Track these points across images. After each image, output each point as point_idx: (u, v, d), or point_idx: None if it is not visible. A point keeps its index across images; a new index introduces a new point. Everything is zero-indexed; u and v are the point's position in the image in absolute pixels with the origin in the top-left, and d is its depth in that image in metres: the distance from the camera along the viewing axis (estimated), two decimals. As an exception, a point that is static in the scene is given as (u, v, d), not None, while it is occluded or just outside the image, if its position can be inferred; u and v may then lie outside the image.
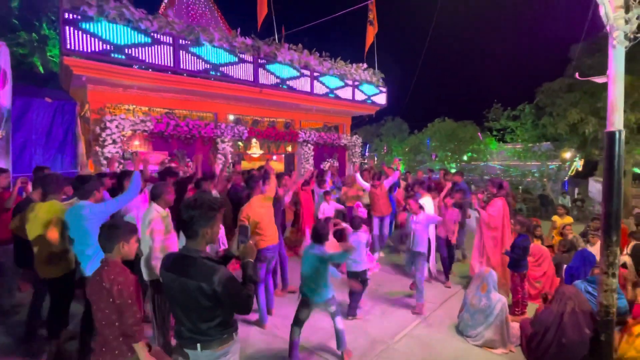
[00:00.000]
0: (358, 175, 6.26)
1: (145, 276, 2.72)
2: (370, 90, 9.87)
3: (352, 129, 11.18)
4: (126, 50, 5.66)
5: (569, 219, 5.99)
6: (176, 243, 2.78)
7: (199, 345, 1.50)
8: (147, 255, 2.71)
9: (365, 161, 15.71)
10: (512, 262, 3.95)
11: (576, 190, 11.37)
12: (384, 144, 18.38)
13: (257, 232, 3.15)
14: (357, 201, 6.51)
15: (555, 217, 6.18)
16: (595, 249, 4.31)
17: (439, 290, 4.58)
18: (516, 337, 3.26)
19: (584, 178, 11.62)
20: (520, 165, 13.32)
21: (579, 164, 12.14)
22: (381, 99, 10.16)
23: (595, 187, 10.97)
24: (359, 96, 9.57)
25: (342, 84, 9.05)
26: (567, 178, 12.22)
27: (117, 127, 5.88)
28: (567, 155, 11.94)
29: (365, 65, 9.75)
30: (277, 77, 7.70)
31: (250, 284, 1.59)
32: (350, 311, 3.71)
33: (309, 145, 9.00)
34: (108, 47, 5.48)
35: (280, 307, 3.92)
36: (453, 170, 13.53)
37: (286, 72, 7.89)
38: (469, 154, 14.87)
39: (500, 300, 3.25)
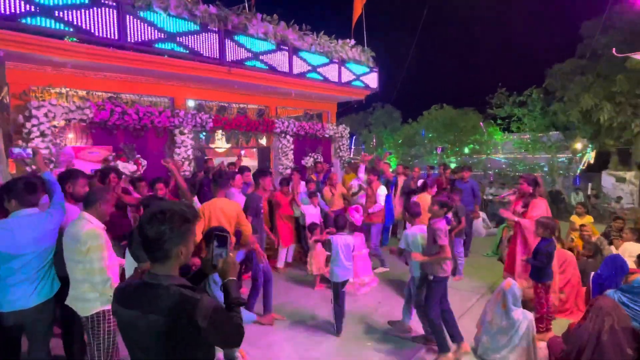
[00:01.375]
0: (363, 167, 6.26)
1: (82, 311, 2.63)
2: (359, 70, 9.92)
3: (338, 117, 11.26)
4: (57, 13, 5.27)
5: (589, 219, 6.25)
6: (117, 267, 2.72)
7: None
8: (80, 281, 2.59)
9: (351, 155, 15.82)
10: (534, 271, 4.00)
11: (589, 186, 12.01)
12: (373, 135, 18.64)
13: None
14: (342, 204, 6.57)
15: (574, 217, 6.46)
16: (620, 253, 4.45)
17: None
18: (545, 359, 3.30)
19: (597, 172, 12.30)
20: (528, 158, 13.90)
21: (590, 156, 12.82)
22: (372, 81, 10.26)
23: (609, 181, 11.63)
24: (346, 76, 9.61)
25: (326, 60, 9.05)
26: (579, 172, 12.87)
27: (45, 115, 5.56)
28: (579, 146, 12.59)
29: (353, 42, 9.79)
30: (249, 51, 7.53)
31: (237, 309, 1.55)
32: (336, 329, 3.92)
33: (288, 137, 8.97)
34: (33, 9, 5.09)
35: (265, 335, 3.88)
36: (453, 166, 13.90)
37: (261, 45, 7.75)
38: (470, 146, 15.35)
39: (526, 318, 3.30)
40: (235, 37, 7.32)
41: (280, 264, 6.32)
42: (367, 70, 10.15)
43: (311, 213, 6.03)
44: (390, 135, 18.49)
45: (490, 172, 14.10)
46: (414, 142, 16.55)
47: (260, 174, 4.77)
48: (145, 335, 1.39)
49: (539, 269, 3.98)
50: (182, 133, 7.12)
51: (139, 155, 6.72)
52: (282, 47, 8.12)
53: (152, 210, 1.43)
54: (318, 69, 8.99)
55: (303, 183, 6.79)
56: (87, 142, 6.23)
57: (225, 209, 3.62)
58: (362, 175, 6.85)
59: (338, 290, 3.93)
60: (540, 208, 4.37)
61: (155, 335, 1.37)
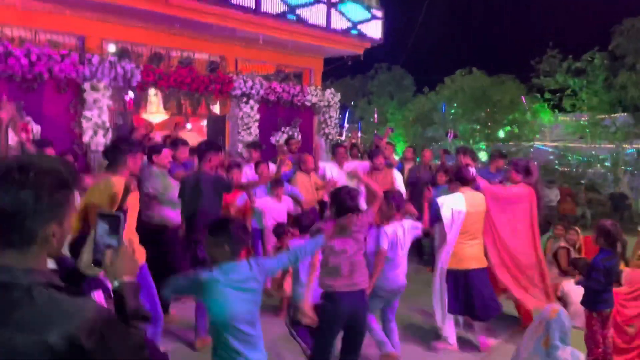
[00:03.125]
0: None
1: None
2: (356, 14, 9.78)
3: (324, 80, 11.36)
4: None
5: (664, 231, 6.20)
6: None
7: None
8: None
9: (343, 137, 15.71)
10: (588, 296, 4.02)
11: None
12: (374, 108, 18.40)
13: None
14: (314, 199, 6.48)
15: (644, 228, 6.40)
16: None
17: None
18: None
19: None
20: (584, 148, 13.93)
21: (669, 148, 12.93)
22: (375, 30, 10.13)
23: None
24: (338, 22, 9.48)
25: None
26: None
27: None
28: (654, 134, 12.64)
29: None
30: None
31: (137, 323, 1.53)
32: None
33: (252, 102, 8.78)
34: None
35: None
36: (483, 155, 13.79)
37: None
38: (507, 128, 15.31)
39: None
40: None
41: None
42: (368, 15, 10.00)
43: (273, 209, 5.77)
44: (398, 110, 18.29)
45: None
46: (431, 120, 16.40)
47: (209, 147, 4.70)
48: None
49: (595, 292, 3.97)
50: (95, 89, 6.87)
51: (28, 118, 6.39)
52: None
53: (5, 167, 1.33)
54: (298, 11, 8.80)
55: (272, 165, 6.53)
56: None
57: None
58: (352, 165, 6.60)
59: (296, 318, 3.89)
60: (518, 189, 4.88)
61: None
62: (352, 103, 19.85)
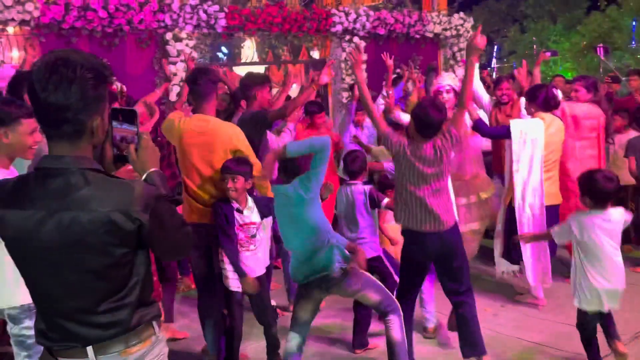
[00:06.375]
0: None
1: None
2: None
3: (451, 4, 10.05)
4: None
5: None
6: None
7: (90, 349, 1.58)
8: None
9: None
10: None
11: None
12: (531, 36, 15.62)
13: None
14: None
15: None
16: None
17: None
18: None
19: None
20: None
21: None
22: None
23: None
24: None
25: None
26: None
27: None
28: None
29: None
30: None
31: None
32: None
33: (357, 40, 7.94)
34: None
35: None
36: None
37: None
38: None
39: None
40: None
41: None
42: None
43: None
44: (565, 35, 15.36)
45: None
46: (614, 43, 13.19)
47: (251, 81, 4.19)
48: (54, 245, 1.51)
49: None
50: (177, 39, 6.73)
51: (114, 78, 6.21)
52: None
53: (48, 61, 1.48)
54: None
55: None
56: (33, 54, 5.96)
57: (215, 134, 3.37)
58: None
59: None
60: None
61: (72, 242, 1.50)
62: (499, 32, 17.23)
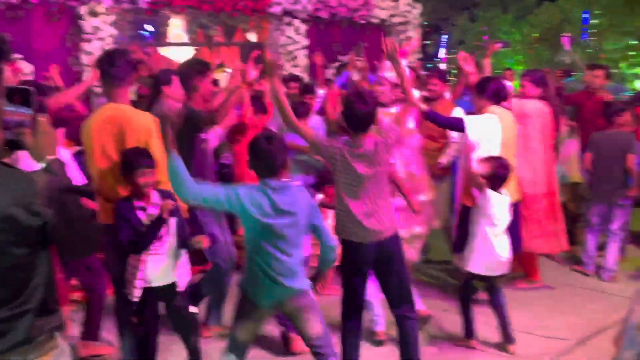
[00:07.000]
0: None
1: None
2: None
3: None
4: None
5: None
6: None
7: None
8: None
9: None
10: None
11: None
12: (481, 25, 15.88)
13: None
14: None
15: None
16: None
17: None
18: None
19: None
20: None
21: None
22: None
23: None
24: None
25: None
26: None
27: None
28: None
29: None
30: None
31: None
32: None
33: (297, 23, 7.83)
34: None
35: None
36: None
37: None
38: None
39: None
40: None
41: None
42: None
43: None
44: (515, 26, 15.62)
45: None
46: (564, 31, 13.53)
47: (190, 68, 3.91)
48: None
49: None
50: (93, 13, 6.39)
51: (21, 55, 6.02)
52: None
53: None
54: None
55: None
56: None
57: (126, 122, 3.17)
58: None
59: None
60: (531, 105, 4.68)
61: None
62: (449, 23, 17.43)
